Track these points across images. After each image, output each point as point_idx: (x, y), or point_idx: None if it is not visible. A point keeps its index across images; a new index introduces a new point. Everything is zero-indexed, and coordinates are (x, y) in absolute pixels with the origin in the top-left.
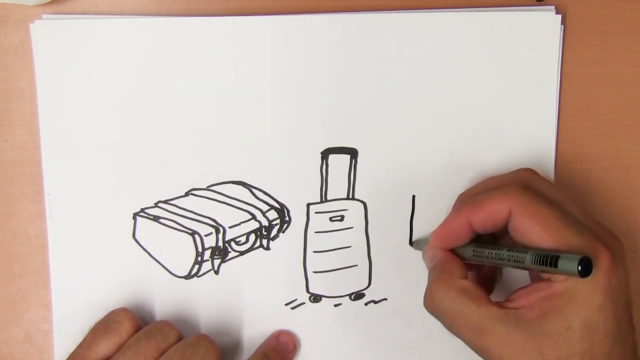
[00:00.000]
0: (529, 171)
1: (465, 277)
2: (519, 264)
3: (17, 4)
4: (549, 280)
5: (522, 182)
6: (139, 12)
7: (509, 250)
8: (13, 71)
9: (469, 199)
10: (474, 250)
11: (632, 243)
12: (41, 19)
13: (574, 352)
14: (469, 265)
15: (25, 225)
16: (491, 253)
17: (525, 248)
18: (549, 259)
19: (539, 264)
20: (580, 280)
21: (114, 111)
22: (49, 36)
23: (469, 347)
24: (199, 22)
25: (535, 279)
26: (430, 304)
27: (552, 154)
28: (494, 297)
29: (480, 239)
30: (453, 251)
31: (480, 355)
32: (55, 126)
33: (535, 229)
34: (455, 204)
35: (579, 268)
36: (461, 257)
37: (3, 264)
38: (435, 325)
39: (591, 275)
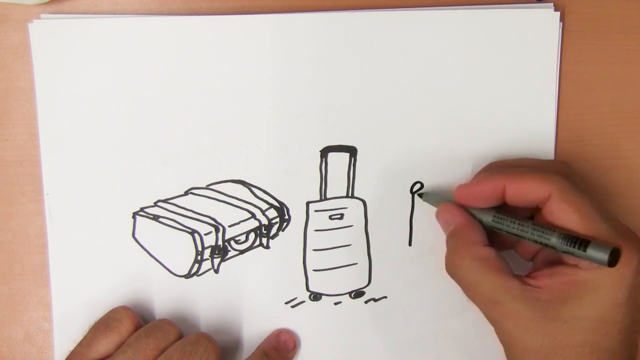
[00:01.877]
0: (566, 164)
1: (487, 244)
2: (543, 240)
3: (17, 3)
4: (575, 266)
5: (562, 171)
6: (138, 11)
7: (534, 224)
8: (13, 71)
9: (505, 168)
10: (494, 217)
11: None
12: (40, 18)
13: (584, 341)
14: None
15: (25, 225)
16: (514, 223)
17: (549, 227)
18: (578, 242)
19: (567, 245)
20: (609, 273)
21: (113, 110)
22: (48, 36)
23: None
24: (198, 21)
25: (542, 265)
26: (452, 271)
27: (552, 152)
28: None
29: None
30: (471, 213)
31: (492, 324)
32: (55, 125)
33: (573, 216)
34: (485, 168)
35: (609, 257)
36: (478, 221)
37: (3, 264)
38: (435, 323)
39: (619, 271)
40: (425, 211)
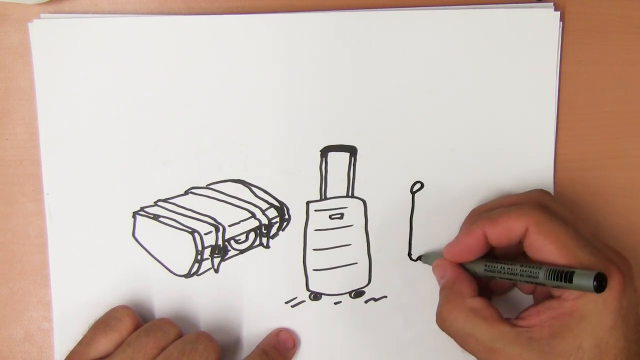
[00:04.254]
0: (543, 192)
1: (476, 295)
2: (532, 279)
3: (17, 3)
4: (559, 298)
5: (537, 202)
6: (139, 11)
7: (522, 266)
8: (13, 70)
9: (484, 213)
10: (485, 265)
11: (633, 242)
12: (40, 18)
13: None
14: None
15: (25, 224)
16: (504, 268)
17: (539, 264)
18: (563, 275)
19: (553, 279)
20: (592, 299)
21: (113, 110)
22: (48, 35)
23: None
24: (198, 21)
25: (542, 298)
26: (443, 325)
27: (552, 153)
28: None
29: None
30: (464, 267)
31: None
32: (55, 125)
33: (550, 247)
34: (468, 218)
35: (594, 283)
36: (472, 273)
37: (3, 263)
38: (434, 323)
39: (602, 296)
40: (425, 211)
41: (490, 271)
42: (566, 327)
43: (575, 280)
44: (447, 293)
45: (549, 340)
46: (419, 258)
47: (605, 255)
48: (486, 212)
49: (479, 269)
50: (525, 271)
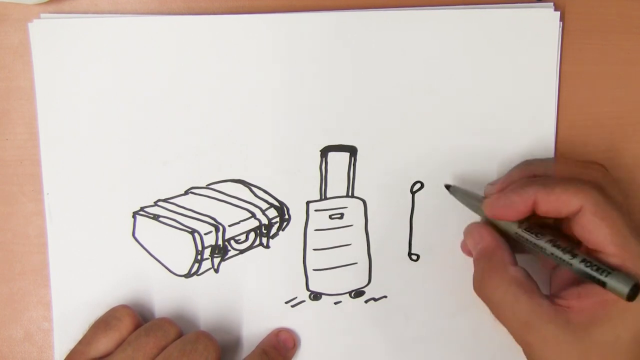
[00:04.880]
0: (603, 170)
1: (516, 264)
2: (563, 262)
3: (17, 2)
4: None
5: (596, 181)
6: (139, 11)
7: (554, 246)
8: (13, 70)
9: (539, 179)
10: (516, 232)
11: None
12: (40, 18)
13: None
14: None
15: (25, 224)
16: (535, 242)
17: (571, 248)
18: (597, 275)
19: (585, 275)
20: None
21: (113, 110)
22: (48, 35)
23: (511, 336)
24: (198, 21)
25: (573, 278)
26: (482, 292)
27: (552, 153)
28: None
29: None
30: (494, 222)
31: (522, 347)
32: (55, 125)
33: (604, 231)
34: (518, 170)
35: (629, 292)
36: (502, 230)
37: (3, 263)
38: (435, 323)
39: None
40: (426, 211)
41: (521, 237)
42: (607, 317)
43: (609, 286)
44: (488, 260)
45: (587, 326)
46: (448, 187)
47: None
48: (541, 178)
49: (511, 230)
50: (557, 254)
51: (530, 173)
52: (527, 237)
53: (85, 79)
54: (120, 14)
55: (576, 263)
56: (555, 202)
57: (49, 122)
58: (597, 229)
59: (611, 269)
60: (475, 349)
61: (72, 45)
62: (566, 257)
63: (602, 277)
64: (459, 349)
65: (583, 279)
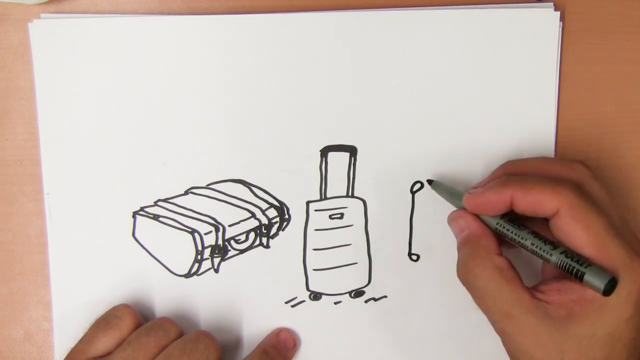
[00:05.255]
0: (584, 168)
1: (500, 253)
2: (543, 256)
3: (17, 2)
4: (582, 283)
5: (576, 180)
6: (139, 11)
7: (533, 241)
8: (13, 70)
9: (517, 177)
10: (497, 223)
11: None
12: (40, 18)
13: (593, 357)
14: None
15: (25, 224)
16: (515, 235)
17: (552, 243)
18: (574, 271)
19: (564, 270)
20: (616, 290)
21: (113, 110)
22: (48, 35)
23: (490, 324)
24: (198, 20)
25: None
26: (465, 278)
27: (552, 153)
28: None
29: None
30: (479, 217)
31: (500, 336)
32: (55, 125)
33: (580, 234)
34: (500, 169)
35: (605, 287)
36: (485, 222)
37: (3, 263)
38: (435, 323)
39: (627, 288)
40: (425, 211)
41: (501, 230)
42: (584, 313)
43: (585, 280)
44: (473, 247)
45: (564, 321)
46: (430, 182)
47: (632, 246)
48: (520, 177)
49: (491, 224)
50: (537, 248)
51: (512, 173)
52: (507, 230)
53: (85, 79)
54: (120, 14)
55: (555, 257)
56: (532, 203)
57: (49, 122)
58: (573, 231)
59: (589, 264)
60: (475, 349)
61: (72, 45)
62: (546, 248)
63: (580, 269)
64: (459, 349)
65: (563, 275)
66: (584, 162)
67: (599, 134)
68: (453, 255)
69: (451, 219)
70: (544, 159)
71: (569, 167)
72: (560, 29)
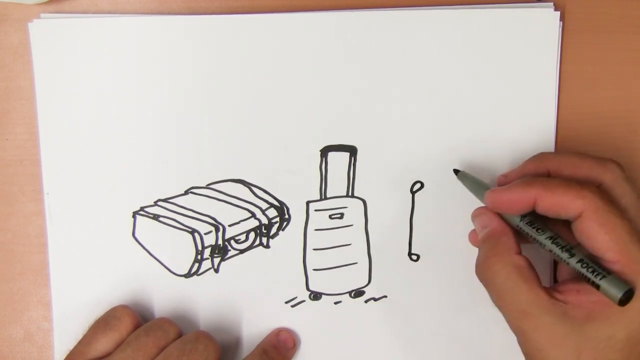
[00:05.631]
0: (618, 169)
1: (520, 252)
2: (562, 258)
3: (17, 2)
4: None
5: (608, 181)
6: (139, 10)
7: (553, 243)
8: (13, 70)
9: (542, 178)
10: (518, 225)
11: None
12: (40, 18)
13: (610, 359)
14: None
15: (25, 224)
16: (535, 237)
17: (571, 247)
18: (591, 278)
19: (583, 273)
20: (636, 295)
21: (113, 110)
22: (48, 35)
23: (506, 322)
24: (198, 21)
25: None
26: (484, 275)
27: (552, 152)
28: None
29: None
30: (502, 215)
31: (516, 335)
32: (55, 125)
33: (603, 238)
34: (532, 162)
35: (621, 297)
36: (506, 220)
37: (3, 263)
38: (435, 322)
39: None
40: (425, 211)
41: (522, 231)
42: (603, 315)
43: (602, 289)
44: (494, 244)
45: (582, 322)
46: (456, 172)
47: None
48: (546, 179)
49: (513, 222)
50: (556, 251)
51: (544, 167)
52: (528, 231)
53: (85, 79)
54: (120, 14)
55: (573, 262)
56: (555, 205)
57: (49, 122)
58: (596, 236)
59: (607, 273)
60: (475, 349)
61: (72, 45)
62: (564, 255)
63: (596, 280)
64: (459, 349)
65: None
66: (618, 162)
67: (599, 134)
68: (453, 255)
69: (474, 216)
70: (578, 155)
71: (603, 166)
72: (560, 29)
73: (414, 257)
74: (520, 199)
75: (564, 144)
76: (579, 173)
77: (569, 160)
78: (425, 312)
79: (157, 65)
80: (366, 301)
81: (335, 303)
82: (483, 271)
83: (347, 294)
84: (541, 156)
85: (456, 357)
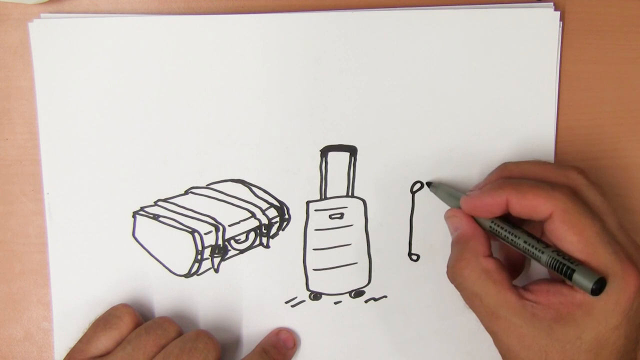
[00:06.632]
0: (581, 174)
1: (490, 255)
2: (534, 256)
3: (17, 2)
4: (572, 287)
5: (572, 185)
6: (138, 10)
7: (525, 242)
8: (13, 70)
9: (512, 180)
10: (490, 226)
11: None
12: (40, 18)
13: None
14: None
15: (25, 224)
16: (507, 235)
17: (543, 245)
18: (564, 269)
19: (554, 269)
20: (603, 298)
21: (113, 110)
22: (48, 35)
23: (481, 324)
24: (198, 20)
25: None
26: (453, 280)
27: (552, 152)
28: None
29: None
30: (474, 217)
31: (490, 335)
32: (55, 125)
33: (572, 239)
34: (497, 171)
35: (592, 286)
36: (479, 224)
37: (3, 263)
38: (434, 322)
39: (614, 296)
40: (425, 211)
41: (495, 231)
42: (571, 317)
43: (574, 279)
44: (461, 248)
45: (551, 323)
46: (429, 184)
47: (627, 253)
48: (516, 180)
49: (485, 224)
50: (529, 248)
51: (507, 176)
52: (499, 231)
53: (85, 78)
54: (120, 14)
55: (544, 259)
56: (526, 207)
57: (49, 122)
58: (565, 236)
59: (578, 263)
60: (475, 349)
61: (72, 45)
62: (535, 252)
63: (571, 266)
64: (459, 349)
65: (554, 277)
66: (580, 169)
67: (599, 134)
68: None
69: (447, 217)
70: (540, 163)
71: (563, 173)
72: (560, 28)
73: (414, 257)
74: (492, 201)
75: (564, 143)
76: (542, 180)
77: (531, 168)
78: (425, 312)
79: (157, 65)
80: (366, 301)
81: (335, 303)
82: (453, 275)
83: (347, 294)
84: (504, 167)
85: (456, 357)
